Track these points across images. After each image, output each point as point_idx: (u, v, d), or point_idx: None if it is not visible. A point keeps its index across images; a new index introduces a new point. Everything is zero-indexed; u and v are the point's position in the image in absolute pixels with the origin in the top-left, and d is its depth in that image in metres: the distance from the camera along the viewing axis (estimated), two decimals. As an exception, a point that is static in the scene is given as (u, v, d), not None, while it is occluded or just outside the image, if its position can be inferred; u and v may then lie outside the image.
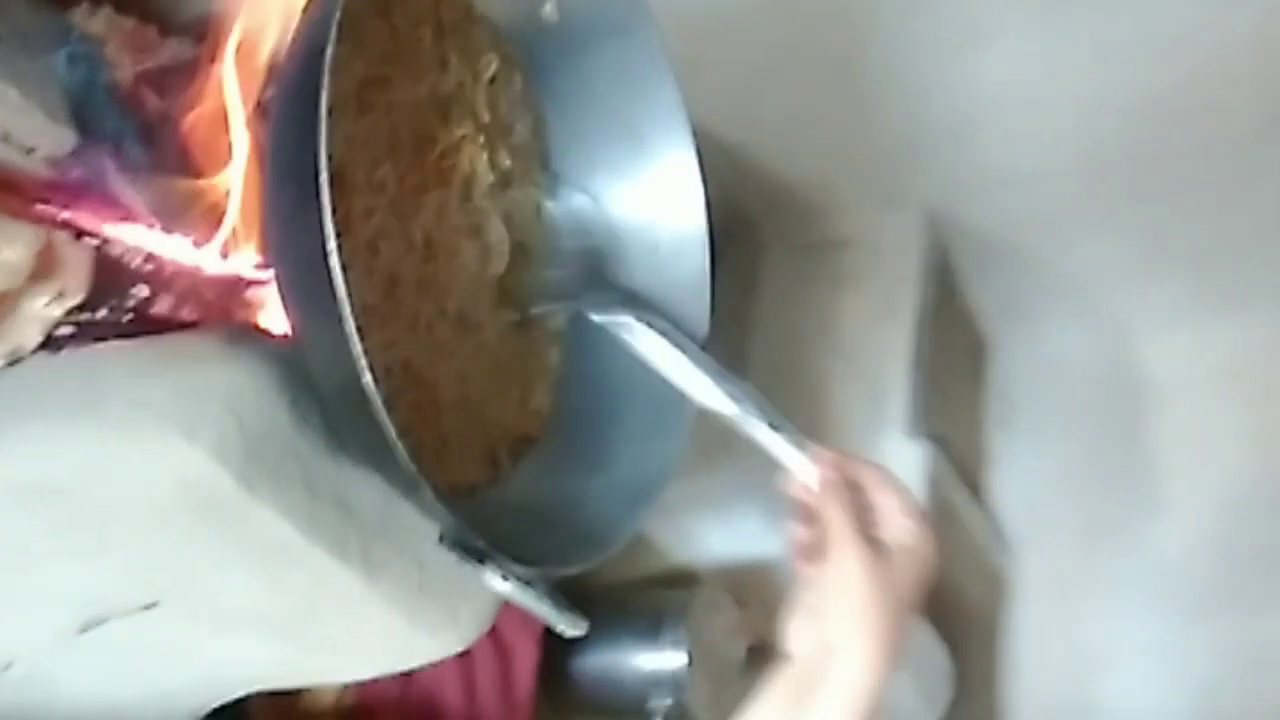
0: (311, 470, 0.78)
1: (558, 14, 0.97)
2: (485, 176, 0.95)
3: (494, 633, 1.14)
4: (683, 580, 1.41)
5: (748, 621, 1.42)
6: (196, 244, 0.86)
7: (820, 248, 1.91)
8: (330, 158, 0.68)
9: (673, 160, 0.99)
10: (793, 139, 1.80)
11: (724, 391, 0.90)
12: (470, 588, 0.87)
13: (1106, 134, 1.70)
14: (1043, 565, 1.93)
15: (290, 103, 0.74)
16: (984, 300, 2.03)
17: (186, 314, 0.87)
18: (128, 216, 0.84)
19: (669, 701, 1.26)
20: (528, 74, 0.99)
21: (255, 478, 0.75)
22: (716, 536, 1.41)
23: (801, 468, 0.89)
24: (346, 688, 1.09)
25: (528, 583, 0.79)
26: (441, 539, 0.78)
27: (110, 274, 0.86)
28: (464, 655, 1.06)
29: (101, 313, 0.85)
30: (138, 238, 0.85)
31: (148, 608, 0.81)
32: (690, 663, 1.26)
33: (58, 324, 0.83)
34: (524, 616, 1.20)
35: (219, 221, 0.86)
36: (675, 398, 0.96)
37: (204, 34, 0.88)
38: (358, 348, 0.69)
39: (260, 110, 0.87)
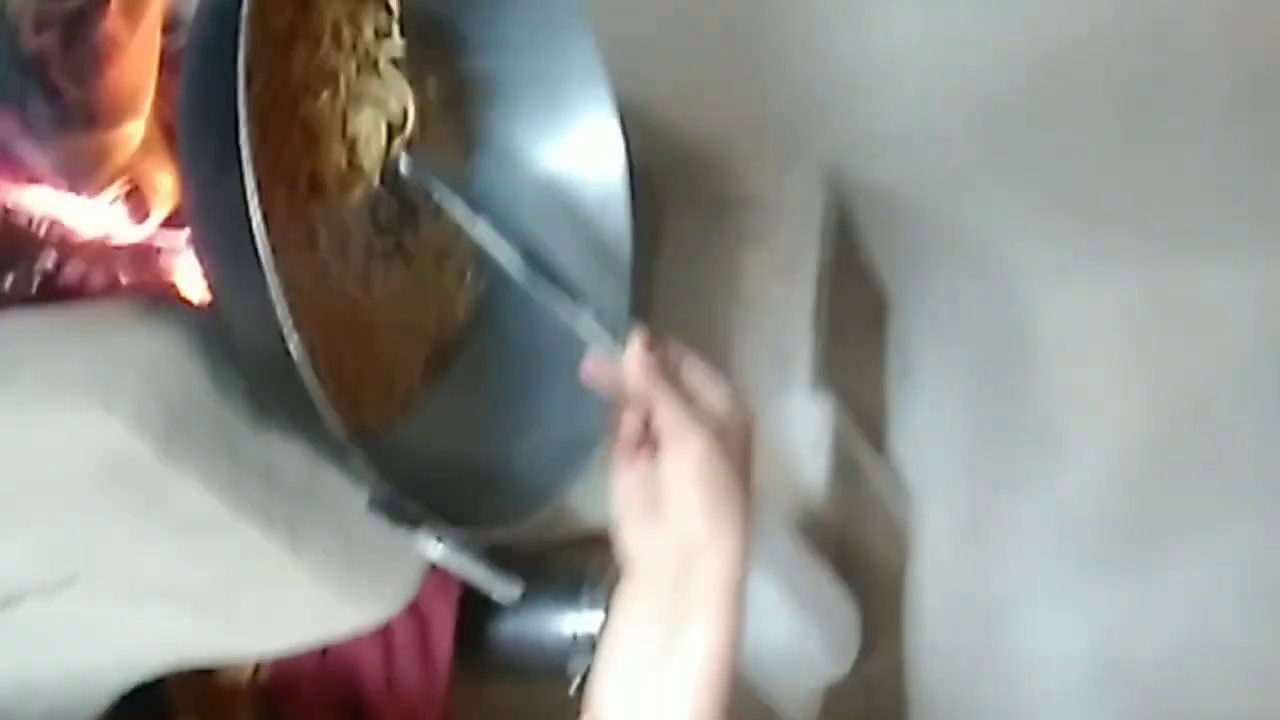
0: (234, 438, 0.77)
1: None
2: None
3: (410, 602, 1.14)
4: (601, 542, 1.40)
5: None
6: (107, 208, 0.84)
7: (722, 206, 1.91)
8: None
9: (593, 117, 0.98)
10: (692, 98, 1.80)
11: (525, 265, 0.87)
12: (396, 557, 0.86)
13: (1001, 91, 1.72)
14: (944, 517, 1.96)
15: (205, 58, 0.72)
16: (883, 256, 2.05)
17: (98, 281, 0.85)
18: (33, 180, 0.82)
19: (589, 664, 1.25)
20: (441, 30, 0.97)
21: (177, 447, 0.73)
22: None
23: (613, 352, 0.84)
24: (262, 663, 1.08)
25: (461, 546, 0.78)
26: (371, 504, 0.77)
27: (16, 241, 0.83)
28: (386, 627, 1.06)
29: (8, 281, 0.83)
30: (45, 203, 0.82)
31: (65, 584, 0.79)
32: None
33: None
34: (441, 583, 1.20)
35: (130, 184, 0.84)
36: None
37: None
38: (284, 308, 0.68)
39: (170, 65, 0.85)
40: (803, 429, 1.79)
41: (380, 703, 1.16)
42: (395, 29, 0.93)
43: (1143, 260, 1.91)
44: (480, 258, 1.00)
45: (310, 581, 0.82)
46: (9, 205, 0.83)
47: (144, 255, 0.86)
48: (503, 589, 0.79)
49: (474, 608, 1.27)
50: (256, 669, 1.08)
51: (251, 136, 0.67)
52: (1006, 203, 1.90)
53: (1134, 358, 1.93)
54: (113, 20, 0.83)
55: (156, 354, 0.75)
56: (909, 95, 1.75)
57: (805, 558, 1.66)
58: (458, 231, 0.96)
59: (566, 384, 0.95)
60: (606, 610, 1.26)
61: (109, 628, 0.85)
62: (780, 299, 1.85)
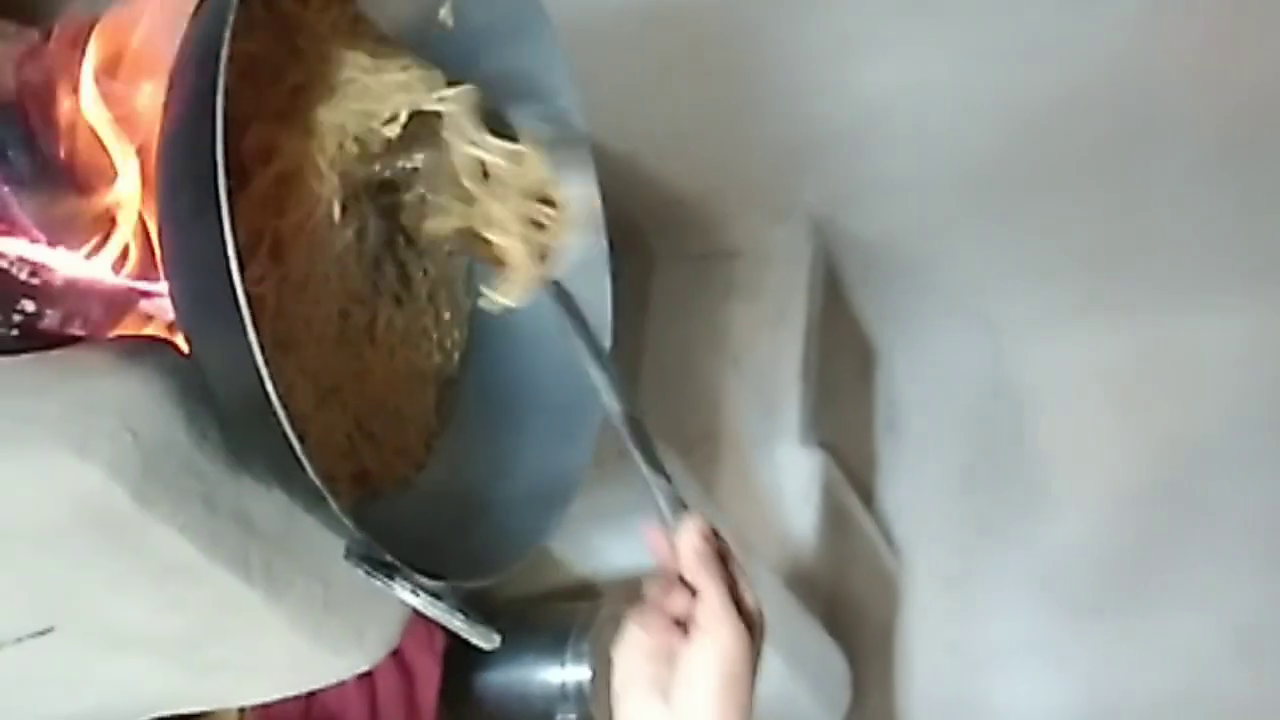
0: (211, 486, 0.77)
1: (453, 19, 0.96)
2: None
3: (397, 651, 1.13)
4: (586, 593, 1.40)
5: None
6: (86, 256, 0.84)
7: (710, 258, 1.92)
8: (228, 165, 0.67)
9: (573, 169, 0.98)
10: (678, 150, 1.81)
11: (628, 421, 0.89)
12: (376, 606, 0.86)
13: (984, 141, 1.73)
14: (932, 568, 1.96)
15: (185, 106, 0.72)
16: (871, 307, 2.06)
17: (77, 328, 0.85)
18: (12, 229, 0.82)
19: (574, 716, 1.25)
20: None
21: (152, 494, 0.73)
22: (618, 548, 1.41)
23: (674, 528, 0.86)
24: (245, 711, 1.07)
25: (438, 596, 0.78)
26: (348, 554, 0.77)
27: (-6, 288, 0.83)
28: (366, 675, 1.05)
29: (-15, 328, 0.83)
30: (23, 250, 0.82)
31: (42, 633, 0.79)
32: (594, 676, 1.26)
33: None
34: (427, 634, 1.20)
35: (109, 232, 0.84)
36: (581, 404, 0.96)
37: (88, 38, 0.85)
38: (259, 356, 0.68)
39: (151, 116, 0.85)
40: (791, 481, 1.79)
41: (364, 754, 1.15)
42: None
43: (1130, 309, 1.92)
44: (461, 299, 1.01)
45: (288, 630, 0.81)
46: (-11, 250, 0.83)
47: (124, 300, 0.86)
48: (482, 637, 0.78)
49: (460, 659, 1.26)
50: (242, 713, 1.08)
51: (229, 186, 0.67)
52: (993, 253, 1.91)
53: (1122, 407, 1.94)
54: (98, 76, 0.84)
55: (132, 400, 0.74)
56: (893, 147, 1.76)
57: (795, 610, 1.66)
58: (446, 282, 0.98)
59: (546, 432, 0.96)
60: (591, 663, 1.26)
61: (88, 677, 0.85)
62: (768, 351, 1.86)
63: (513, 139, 0.94)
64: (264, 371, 0.68)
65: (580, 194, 0.98)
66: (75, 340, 0.84)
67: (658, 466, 0.89)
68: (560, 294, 0.95)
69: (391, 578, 0.75)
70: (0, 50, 0.84)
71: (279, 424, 0.70)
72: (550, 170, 0.95)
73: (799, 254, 1.89)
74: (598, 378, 0.91)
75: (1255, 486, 1.82)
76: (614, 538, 1.40)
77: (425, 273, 0.98)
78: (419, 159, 0.93)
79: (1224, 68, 1.59)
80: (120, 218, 0.83)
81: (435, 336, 0.99)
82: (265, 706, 1.01)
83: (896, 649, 1.92)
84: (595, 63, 1.64)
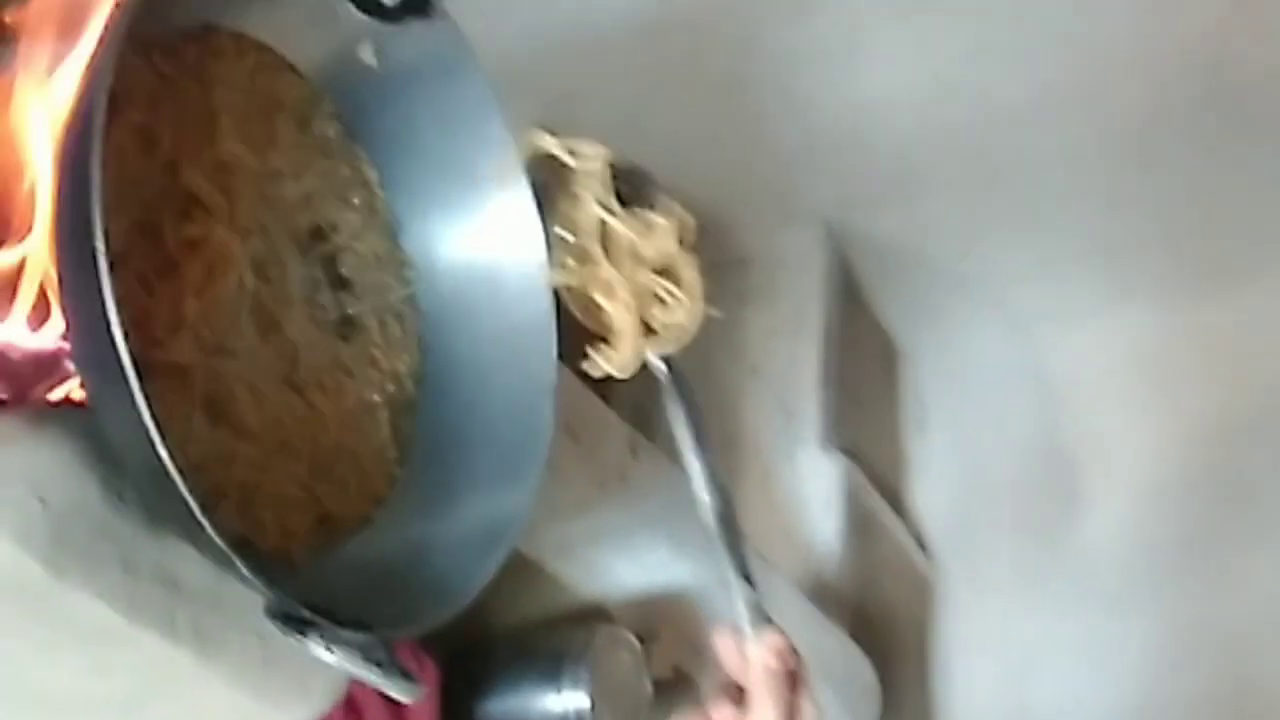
0: (129, 548, 0.76)
1: (376, 58, 0.95)
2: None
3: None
4: (590, 615, 1.39)
5: (659, 653, 1.41)
6: (1, 319, 0.84)
7: (722, 266, 1.90)
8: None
9: (508, 198, 0.97)
10: (684, 160, 1.78)
11: (720, 516, 0.88)
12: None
13: (995, 134, 1.70)
14: (967, 569, 1.93)
15: (68, 163, 0.72)
16: (892, 308, 2.03)
17: (2, 392, 0.84)
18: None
19: (574, 742, 1.24)
20: (347, 121, 0.97)
21: (64, 562, 0.73)
22: (622, 569, 1.39)
23: (750, 637, 0.85)
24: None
25: (361, 648, 0.77)
26: (266, 609, 0.76)
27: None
28: (357, 712, 1.05)
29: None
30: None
31: (-28, 700, 0.79)
32: (592, 704, 1.24)
33: None
34: (417, 666, 1.19)
35: (18, 288, 0.83)
36: (529, 443, 0.95)
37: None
38: (150, 423, 0.67)
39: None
40: (814, 488, 1.78)
41: (356, 794, 1.15)
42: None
43: (1156, 297, 1.88)
44: (409, 321, 1.00)
45: (226, 688, 0.81)
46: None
47: (50, 359, 0.85)
48: (401, 691, 0.78)
49: (458, 689, 1.26)
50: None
51: (105, 238, 0.66)
52: (1012, 247, 1.88)
53: (1156, 396, 1.90)
54: (8, 129, 0.83)
55: (41, 467, 0.74)
56: (900, 146, 1.74)
57: (818, 620, 1.64)
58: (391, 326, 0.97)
59: (491, 470, 0.94)
60: (588, 690, 1.25)
61: (26, 742, 0.85)
62: (785, 357, 1.84)
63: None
64: (160, 449, 0.68)
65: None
66: (4, 406, 0.84)
67: (745, 571, 0.87)
68: (671, 372, 0.94)
69: (305, 634, 0.74)
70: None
71: (179, 492, 0.69)
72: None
73: (812, 258, 1.88)
74: (694, 467, 0.89)
75: (1293, 469, 1.78)
76: (619, 558, 1.39)
77: (366, 305, 0.97)
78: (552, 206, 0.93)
79: (1231, 49, 1.56)
80: (31, 272, 0.83)
81: (387, 366, 0.98)
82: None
83: (932, 654, 1.89)
84: (595, 77, 1.65)
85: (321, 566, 0.88)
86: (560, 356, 0.95)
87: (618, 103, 1.68)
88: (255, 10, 0.90)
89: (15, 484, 0.73)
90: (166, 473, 0.69)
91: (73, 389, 0.83)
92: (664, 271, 0.94)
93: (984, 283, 1.95)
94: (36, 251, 0.81)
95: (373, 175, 0.99)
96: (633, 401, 1.41)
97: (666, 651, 1.42)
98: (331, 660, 0.74)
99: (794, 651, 0.84)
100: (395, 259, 0.99)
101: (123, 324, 0.67)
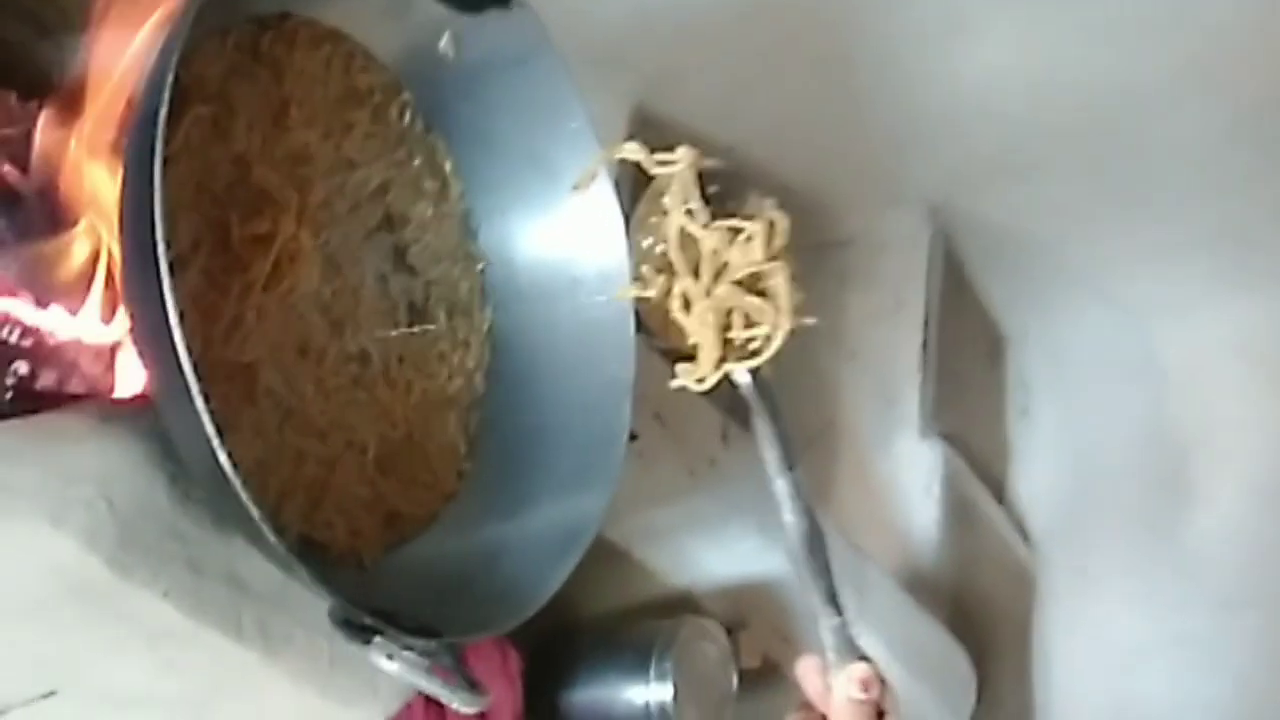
0: (196, 549, 0.76)
1: (454, 49, 0.94)
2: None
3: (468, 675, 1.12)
4: (678, 604, 1.38)
5: (748, 642, 1.40)
6: (73, 312, 0.84)
7: (823, 248, 1.87)
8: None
9: (588, 193, 0.95)
10: (786, 139, 1.77)
11: (806, 541, 0.84)
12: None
13: (1106, 117, 1.65)
14: (1070, 560, 1.89)
15: (132, 156, 0.72)
16: (997, 292, 1.98)
17: (75, 385, 0.84)
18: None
19: (661, 734, 1.23)
20: (424, 113, 0.96)
21: (130, 562, 0.73)
22: (712, 557, 1.38)
23: (835, 666, 0.81)
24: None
25: (428, 654, 0.76)
26: (330, 614, 0.76)
27: (-15, 350, 0.83)
28: (435, 703, 1.05)
29: (-20, 394, 0.83)
30: (10, 311, 0.82)
31: (46, 697, 0.79)
32: (677, 695, 1.23)
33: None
34: (500, 657, 1.19)
35: (91, 284, 0.83)
36: (603, 445, 0.93)
37: (64, 96, 0.85)
38: (210, 428, 0.67)
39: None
40: (912, 475, 1.75)
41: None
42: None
43: (1271, 286, 1.81)
44: (477, 316, 0.99)
45: (292, 687, 0.81)
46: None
47: (116, 356, 0.85)
48: (463, 701, 0.76)
49: (542, 678, 1.25)
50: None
51: (168, 236, 0.65)
52: (1122, 232, 1.82)
53: (1267, 389, 1.83)
54: (59, 119, 0.83)
55: (110, 466, 0.74)
56: (1008, 127, 1.69)
57: (914, 611, 1.61)
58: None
59: (565, 470, 0.93)
60: (673, 681, 1.23)
61: (100, 735, 0.85)
62: (886, 341, 1.81)
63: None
64: (220, 453, 0.67)
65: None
66: (75, 399, 0.84)
67: (832, 599, 0.83)
68: (759, 388, 0.89)
69: (368, 642, 0.74)
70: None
71: (241, 501, 0.69)
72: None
73: (915, 240, 1.83)
74: (782, 490, 0.85)
75: None
76: (708, 546, 1.38)
77: (437, 299, 0.96)
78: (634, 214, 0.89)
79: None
80: (100, 269, 0.82)
81: (456, 361, 0.97)
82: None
83: (1032, 647, 1.85)
84: (696, 57, 1.63)
85: (390, 567, 0.87)
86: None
87: (718, 83, 1.65)
88: (332, -1, 0.89)
89: (83, 484, 0.73)
90: (227, 476, 0.68)
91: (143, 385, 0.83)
92: (753, 281, 0.89)
93: (1093, 268, 1.90)
94: (105, 244, 0.81)
95: (448, 166, 0.97)
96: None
97: (755, 640, 1.41)
98: (392, 670, 0.74)
99: (882, 683, 0.80)
100: (467, 252, 0.98)
101: (183, 325, 0.66)
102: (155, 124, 0.67)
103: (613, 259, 0.94)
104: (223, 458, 0.67)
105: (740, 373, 0.87)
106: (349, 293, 0.88)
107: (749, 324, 0.88)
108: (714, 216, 0.89)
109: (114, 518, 0.73)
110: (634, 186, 0.93)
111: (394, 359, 0.91)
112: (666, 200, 0.87)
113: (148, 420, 0.77)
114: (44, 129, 0.84)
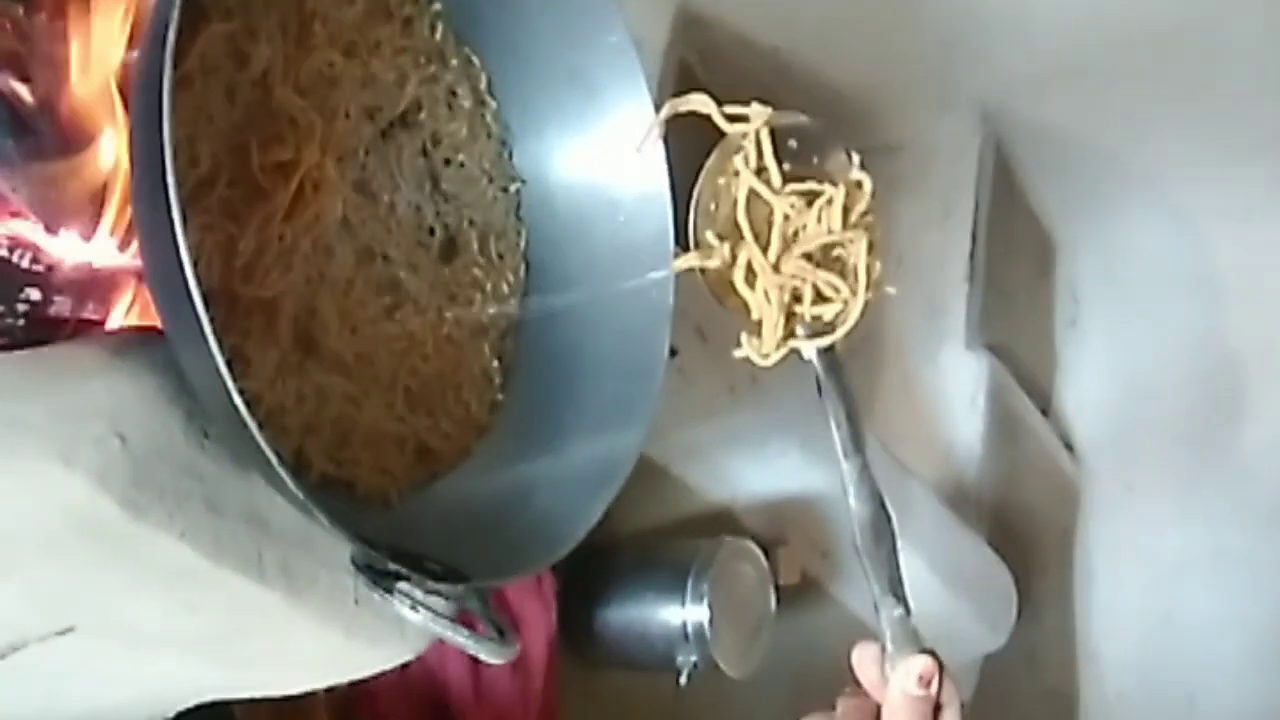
0: (214, 487, 0.73)
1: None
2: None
3: (502, 602, 1.10)
4: (718, 520, 1.36)
5: (788, 558, 1.38)
6: (86, 236, 0.80)
7: (871, 152, 1.79)
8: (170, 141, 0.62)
9: (628, 111, 0.91)
10: (836, 41, 1.71)
11: (869, 526, 0.80)
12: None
13: (1166, 19, 1.59)
14: (1116, 474, 1.86)
15: (141, 80, 0.67)
16: (1049, 199, 1.94)
17: (90, 313, 0.81)
18: (11, 213, 0.79)
19: (695, 658, 1.21)
20: (457, 24, 0.91)
21: (144, 502, 0.69)
22: (752, 474, 1.36)
23: (892, 659, 0.77)
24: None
25: (455, 598, 0.74)
26: (352, 560, 0.73)
27: (-2, 276, 0.80)
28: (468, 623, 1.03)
29: (-9, 321, 0.80)
30: (25, 234, 0.79)
31: (63, 633, 0.77)
32: (713, 617, 1.21)
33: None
34: (535, 583, 1.17)
35: (105, 208, 0.80)
36: (641, 375, 0.90)
37: (74, 7, 0.81)
38: (223, 368, 0.63)
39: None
40: (956, 387, 1.71)
41: (468, 711, 1.13)
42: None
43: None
44: (513, 238, 0.95)
45: (317, 626, 0.78)
46: (-14, 239, 0.79)
47: (137, 277, 0.82)
48: (491, 652, 0.74)
49: (578, 597, 1.24)
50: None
51: (175, 164, 0.62)
52: (1181, 139, 1.77)
53: (1325, 302, 1.79)
54: (69, 33, 0.79)
55: (122, 402, 0.71)
56: (1065, 27, 1.63)
57: (955, 526, 1.59)
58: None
59: (602, 404, 0.90)
60: (709, 603, 1.21)
61: (121, 672, 0.83)
62: (934, 248, 1.77)
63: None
64: (234, 393, 0.64)
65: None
66: (90, 326, 0.81)
67: (896, 589, 0.80)
68: (829, 366, 0.82)
69: (390, 590, 0.71)
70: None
71: (258, 443, 0.66)
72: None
73: (966, 145, 1.79)
74: (849, 473, 0.81)
75: None
76: (748, 463, 1.36)
77: (471, 222, 0.92)
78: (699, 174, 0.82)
79: None
80: (115, 192, 0.79)
81: (489, 285, 0.93)
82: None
83: (1074, 562, 1.83)
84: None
85: (419, 506, 0.84)
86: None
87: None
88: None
89: (93, 420, 0.70)
90: (243, 420, 0.65)
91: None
92: (828, 250, 0.84)
93: (1149, 174, 1.84)
94: (118, 163, 0.78)
95: (483, 81, 0.93)
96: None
97: (795, 556, 1.39)
98: (416, 620, 0.71)
99: (943, 679, 0.77)
100: (503, 172, 0.94)
101: (198, 261, 0.63)
102: (164, 44, 0.63)
103: (653, 181, 0.90)
104: (238, 401, 0.64)
105: (809, 349, 0.82)
106: (378, 220, 0.84)
107: (820, 298, 0.82)
108: (788, 179, 0.82)
109: (127, 456, 0.69)
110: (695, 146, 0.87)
111: (425, 289, 0.87)
112: (737, 160, 0.82)
113: (163, 352, 0.74)
114: (52, 45, 0.80)
